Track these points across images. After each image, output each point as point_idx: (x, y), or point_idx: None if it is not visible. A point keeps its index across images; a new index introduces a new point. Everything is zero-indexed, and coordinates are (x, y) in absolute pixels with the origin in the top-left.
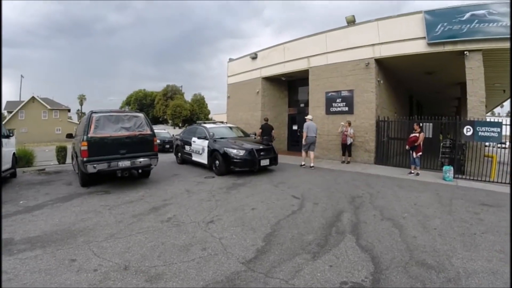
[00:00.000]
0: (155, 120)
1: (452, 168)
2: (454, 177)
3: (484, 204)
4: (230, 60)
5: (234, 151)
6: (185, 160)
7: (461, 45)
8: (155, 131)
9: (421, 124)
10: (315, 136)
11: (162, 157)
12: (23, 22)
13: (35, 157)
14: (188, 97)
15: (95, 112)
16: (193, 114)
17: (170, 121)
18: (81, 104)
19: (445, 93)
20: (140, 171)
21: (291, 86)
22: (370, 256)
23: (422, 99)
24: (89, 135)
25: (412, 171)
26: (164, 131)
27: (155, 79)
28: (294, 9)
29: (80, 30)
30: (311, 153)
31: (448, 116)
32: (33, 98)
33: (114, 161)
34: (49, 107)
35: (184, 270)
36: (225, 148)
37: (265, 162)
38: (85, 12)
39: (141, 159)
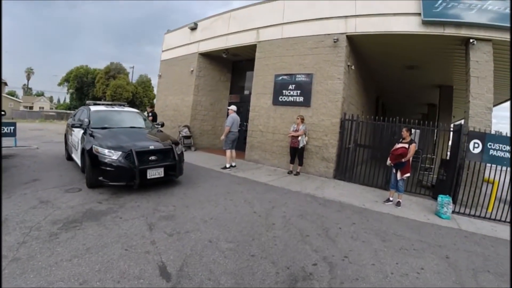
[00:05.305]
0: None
1: (450, 200)
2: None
3: None
4: (168, 31)
5: (106, 151)
6: (70, 155)
7: (467, 30)
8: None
9: (412, 131)
10: (238, 132)
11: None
12: None
13: None
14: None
15: None
16: (136, 97)
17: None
18: (28, 79)
19: (415, 97)
20: None
21: (236, 68)
22: None
23: (388, 102)
24: None
25: (391, 198)
26: None
27: (114, 58)
28: None
29: None
30: (234, 151)
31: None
32: None
33: None
34: None
35: None
36: (94, 146)
37: (154, 173)
38: None
39: None
